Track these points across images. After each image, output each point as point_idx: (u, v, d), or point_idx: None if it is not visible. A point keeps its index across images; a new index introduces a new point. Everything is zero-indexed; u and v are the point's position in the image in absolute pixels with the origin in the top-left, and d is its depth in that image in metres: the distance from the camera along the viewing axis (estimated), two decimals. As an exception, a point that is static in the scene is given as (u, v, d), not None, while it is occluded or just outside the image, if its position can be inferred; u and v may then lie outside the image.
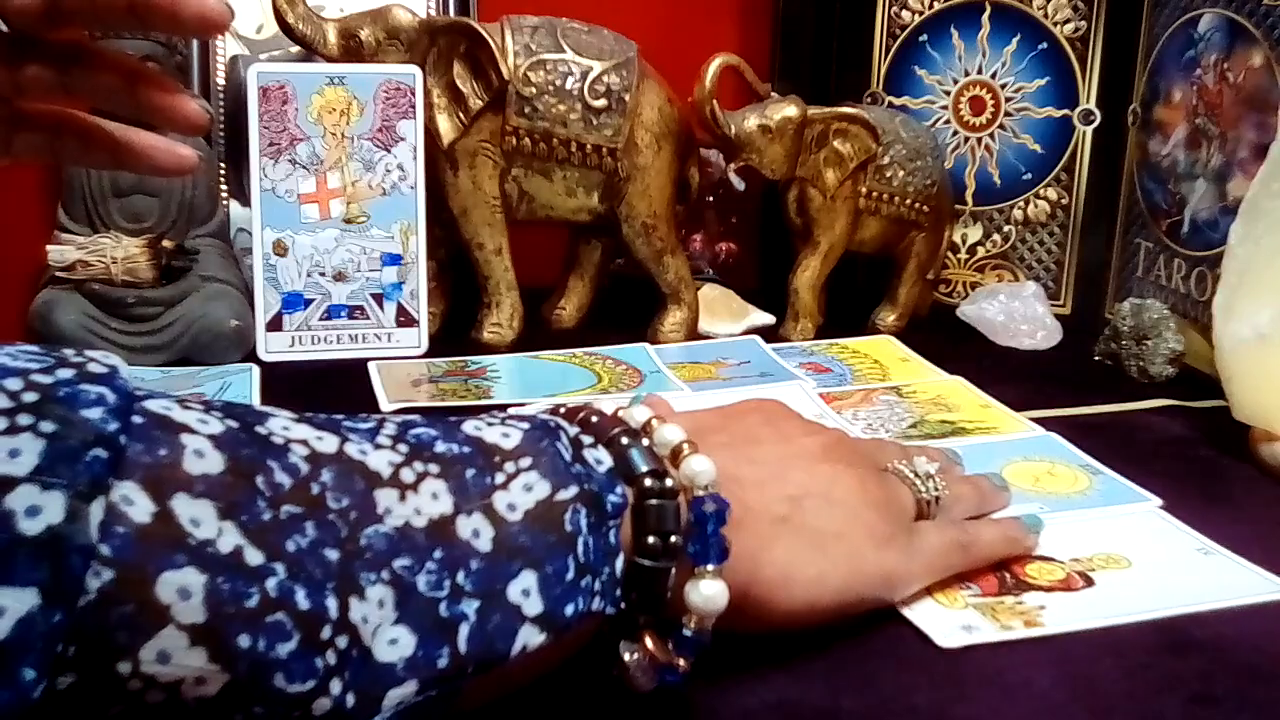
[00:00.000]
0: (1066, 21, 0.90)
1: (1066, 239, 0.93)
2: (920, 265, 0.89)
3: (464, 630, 0.31)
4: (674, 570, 0.35)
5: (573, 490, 0.34)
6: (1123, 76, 0.88)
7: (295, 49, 0.81)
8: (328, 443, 0.31)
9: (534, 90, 0.78)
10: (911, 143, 0.86)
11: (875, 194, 0.85)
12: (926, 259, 0.89)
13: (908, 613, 0.45)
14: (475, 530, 0.32)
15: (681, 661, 0.36)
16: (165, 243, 0.77)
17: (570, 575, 0.33)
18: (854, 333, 0.87)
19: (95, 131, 0.47)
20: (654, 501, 0.35)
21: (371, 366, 0.76)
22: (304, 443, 0.31)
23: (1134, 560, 0.50)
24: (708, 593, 0.35)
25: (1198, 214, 0.80)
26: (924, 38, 0.93)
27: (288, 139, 0.77)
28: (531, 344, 0.82)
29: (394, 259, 0.79)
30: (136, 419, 0.28)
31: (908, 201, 0.86)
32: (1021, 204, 0.94)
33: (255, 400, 0.69)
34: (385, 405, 0.69)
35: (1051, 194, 0.93)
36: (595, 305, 0.90)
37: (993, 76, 0.92)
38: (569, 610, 0.33)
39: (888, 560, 0.43)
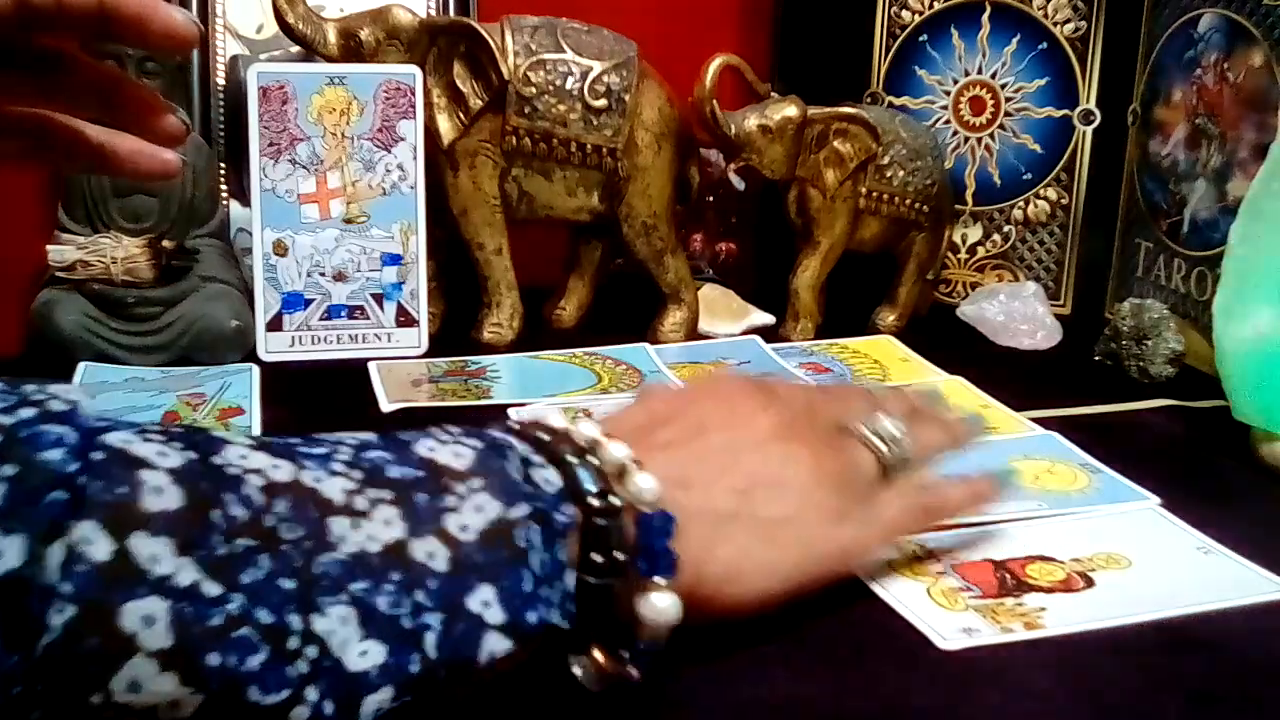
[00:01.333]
0: (1066, 21, 0.90)
1: (1066, 239, 0.93)
2: (920, 265, 0.89)
3: (430, 638, 0.32)
4: (621, 586, 0.36)
5: (524, 509, 0.34)
6: (1123, 76, 0.88)
7: (295, 49, 0.81)
8: (283, 471, 0.32)
9: (534, 90, 0.78)
10: (911, 143, 0.86)
11: (875, 194, 0.85)
12: (926, 259, 0.89)
13: (908, 614, 0.45)
14: (430, 553, 0.32)
15: (634, 671, 0.36)
16: (165, 243, 0.77)
17: (529, 587, 0.34)
18: (854, 333, 0.87)
19: (77, 137, 0.47)
20: (600, 520, 0.36)
21: (371, 366, 0.76)
22: (259, 472, 0.31)
23: (1134, 560, 0.50)
24: (659, 605, 0.36)
25: (1198, 214, 0.80)
26: (924, 38, 0.93)
27: (288, 139, 0.77)
28: (531, 344, 0.82)
29: (394, 259, 0.79)
30: (97, 455, 0.29)
31: (908, 201, 0.86)
32: (1021, 204, 0.94)
33: (255, 400, 0.69)
34: (385, 405, 0.69)
35: (1051, 194, 0.93)
36: (595, 305, 0.89)
37: (993, 76, 0.92)
38: (532, 618, 0.34)
39: (842, 535, 0.44)
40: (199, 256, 0.79)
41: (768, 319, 0.88)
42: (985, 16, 0.92)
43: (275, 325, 0.78)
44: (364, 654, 0.31)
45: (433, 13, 0.93)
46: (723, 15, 1.05)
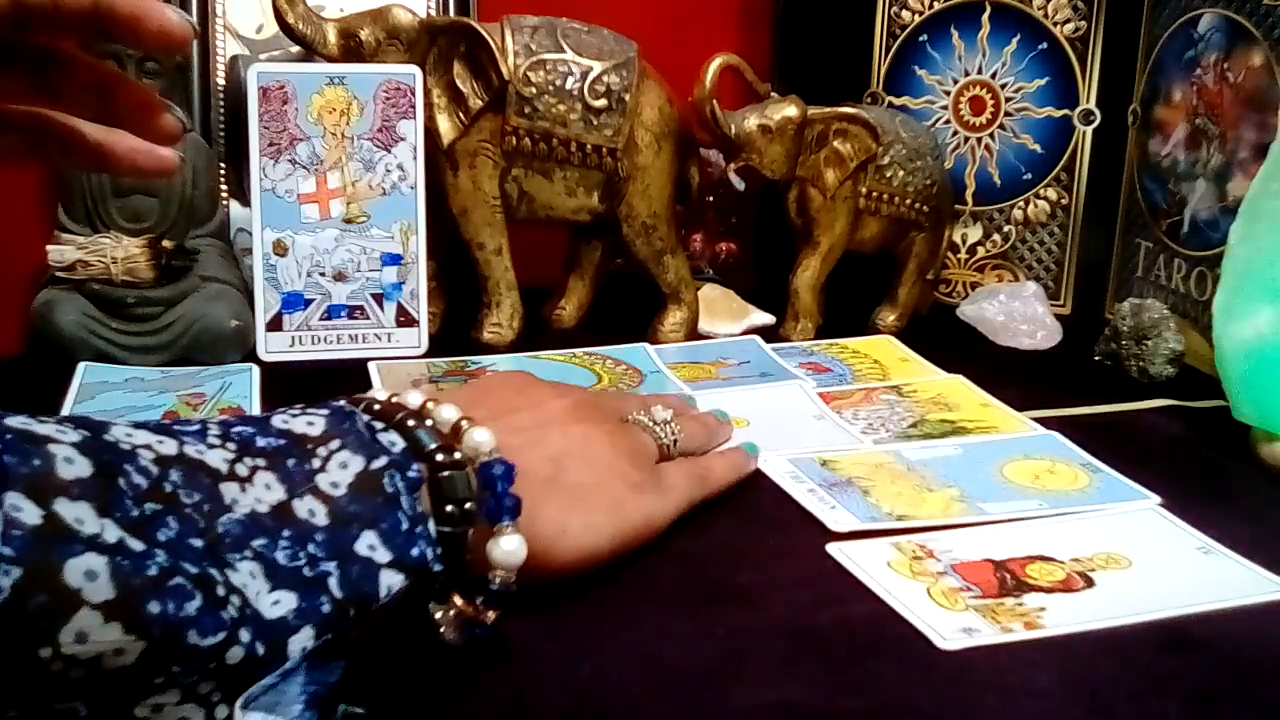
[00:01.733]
0: (1066, 21, 0.90)
1: (1066, 239, 0.93)
2: (920, 265, 0.89)
3: (332, 581, 0.35)
4: (472, 532, 0.39)
5: (383, 460, 0.38)
6: (1123, 76, 0.88)
7: (295, 49, 0.81)
8: (168, 446, 0.34)
9: (534, 90, 0.78)
10: (911, 143, 0.86)
11: (875, 194, 0.85)
12: (926, 259, 0.89)
13: (908, 614, 0.45)
14: (310, 510, 0.36)
15: (491, 614, 0.39)
16: (165, 243, 0.77)
17: (405, 526, 0.37)
18: (854, 333, 0.87)
19: (75, 135, 0.47)
20: (446, 473, 0.39)
21: (371, 366, 0.76)
22: (148, 447, 0.34)
23: (1134, 560, 0.50)
24: (508, 547, 0.39)
25: (1198, 214, 0.80)
26: (924, 38, 0.93)
27: (288, 139, 0.77)
28: (531, 344, 0.82)
29: (394, 259, 0.79)
30: (5, 435, 0.30)
31: (908, 201, 0.86)
32: (1021, 204, 0.94)
33: (255, 400, 0.69)
34: (385, 405, 0.69)
35: (1051, 194, 0.93)
36: (595, 305, 0.90)
37: (993, 76, 0.92)
38: (415, 553, 0.37)
39: (645, 504, 0.48)
40: (199, 256, 0.79)
41: (768, 319, 0.88)
42: (985, 16, 0.92)
43: (275, 325, 0.78)
44: (276, 603, 0.33)
45: (433, 13, 0.93)
46: (723, 15, 1.05)
